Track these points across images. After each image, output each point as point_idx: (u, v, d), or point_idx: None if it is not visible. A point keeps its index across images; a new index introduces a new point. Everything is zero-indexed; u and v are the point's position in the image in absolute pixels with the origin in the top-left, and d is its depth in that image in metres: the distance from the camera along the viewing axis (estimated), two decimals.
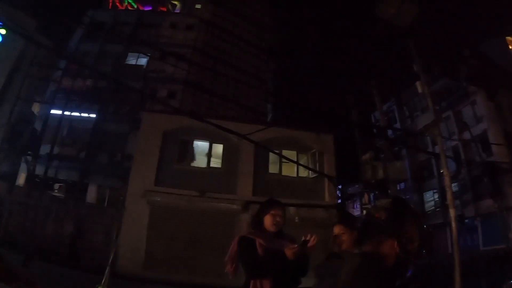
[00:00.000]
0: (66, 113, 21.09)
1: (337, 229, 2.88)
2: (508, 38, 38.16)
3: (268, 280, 2.48)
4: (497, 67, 29.43)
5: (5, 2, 17.30)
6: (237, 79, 16.52)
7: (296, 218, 12.09)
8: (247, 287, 2.54)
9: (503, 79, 28.00)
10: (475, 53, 28.15)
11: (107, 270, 7.89)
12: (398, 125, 30.69)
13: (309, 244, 2.51)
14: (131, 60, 21.82)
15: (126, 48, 21.71)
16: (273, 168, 13.56)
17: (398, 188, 16.18)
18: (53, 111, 21.67)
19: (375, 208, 1.31)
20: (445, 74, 23.60)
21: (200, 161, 13.98)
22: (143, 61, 21.48)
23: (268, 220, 2.68)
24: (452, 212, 9.35)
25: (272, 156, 13.33)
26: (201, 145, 14.09)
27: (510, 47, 37.92)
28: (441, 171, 11.80)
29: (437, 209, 27.43)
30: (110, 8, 25.58)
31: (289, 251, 2.46)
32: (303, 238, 2.50)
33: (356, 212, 17.78)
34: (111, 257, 8.52)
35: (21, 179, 20.25)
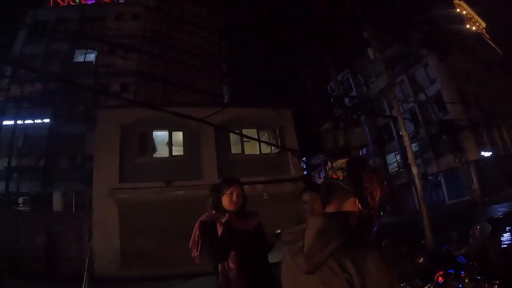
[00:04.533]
0: (19, 122, 20.10)
1: (307, 196, 2.92)
2: (456, 1, 39.71)
3: (234, 260, 2.52)
4: (446, 29, 30.64)
5: None
6: (190, 64, 16.27)
7: (265, 194, 12.28)
8: (216, 269, 2.59)
9: (452, 40, 29.23)
10: (424, 17, 29.06)
11: (85, 276, 7.72)
12: (354, 93, 31.49)
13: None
14: (79, 57, 20.94)
15: (72, 46, 20.79)
16: (235, 149, 13.57)
17: (361, 154, 16.72)
18: (5, 122, 20.58)
19: (332, 170, 1.30)
20: (396, 39, 24.28)
21: (161, 151, 13.77)
22: (91, 57, 20.69)
23: (225, 200, 2.69)
24: (414, 170, 9.74)
25: (233, 137, 13.32)
26: (160, 135, 13.84)
27: (458, 10, 39.51)
28: (400, 133, 12.24)
29: (401, 170, 28.75)
30: (51, 5, 24.29)
31: None
32: (278, 231, 2.57)
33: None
34: (87, 262, 8.30)
35: None
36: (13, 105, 20.54)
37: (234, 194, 2.68)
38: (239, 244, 2.53)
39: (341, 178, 1.25)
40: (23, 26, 22.16)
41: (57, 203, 18.63)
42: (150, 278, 10.56)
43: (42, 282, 9.91)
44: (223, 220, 2.60)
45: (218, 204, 2.73)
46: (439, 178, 26.64)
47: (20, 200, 19.58)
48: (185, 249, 9.89)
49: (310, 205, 2.87)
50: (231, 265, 2.51)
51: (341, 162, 1.30)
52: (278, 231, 2.56)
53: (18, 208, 18.74)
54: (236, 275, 2.49)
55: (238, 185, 2.75)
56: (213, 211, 2.74)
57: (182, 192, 12.37)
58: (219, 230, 2.58)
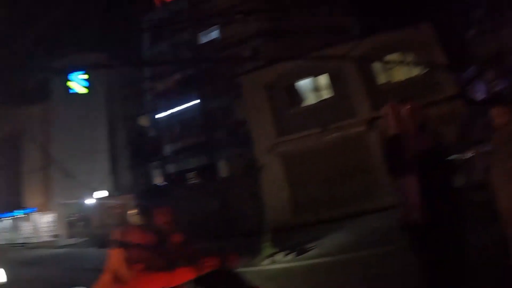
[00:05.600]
0: (172, 110, 23.28)
1: (494, 112, 3.01)
2: None
3: (414, 177, 2.51)
4: None
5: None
6: (311, 5, 15.91)
7: None
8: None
9: None
10: None
11: (265, 228, 8.16)
12: None
13: None
14: (204, 38, 22.80)
15: (194, 31, 22.67)
16: (381, 78, 13.11)
17: None
18: (159, 115, 24.12)
19: None
20: None
21: (310, 99, 14.10)
22: (215, 34, 22.34)
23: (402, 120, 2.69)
24: None
25: (377, 67, 12.97)
26: (305, 83, 14.11)
27: None
28: None
29: None
30: (159, 4, 26.40)
31: None
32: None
33: (481, 94, 16.01)
34: (263, 216, 8.73)
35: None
36: (162, 99, 24.09)
37: (406, 114, 2.69)
38: (417, 162, 2.51)
39: None
40: (145, 30, 25.20)
41: (224, 171, 21.08)
42: (321, 222, 10.93)
43: (222, 240, 10.40)
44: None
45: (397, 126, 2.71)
46: None
47: (191, 175, 23.14)
48: (350, 189, 10.19)
49: (499, 119, 2.92)
50: (409, 181, 2.52)
51: None
52: None
53: (191, 182, 22.12)
54: (414, 192, 2.48)
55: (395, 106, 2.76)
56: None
57: (339, 133, 12.58)
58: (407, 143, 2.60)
